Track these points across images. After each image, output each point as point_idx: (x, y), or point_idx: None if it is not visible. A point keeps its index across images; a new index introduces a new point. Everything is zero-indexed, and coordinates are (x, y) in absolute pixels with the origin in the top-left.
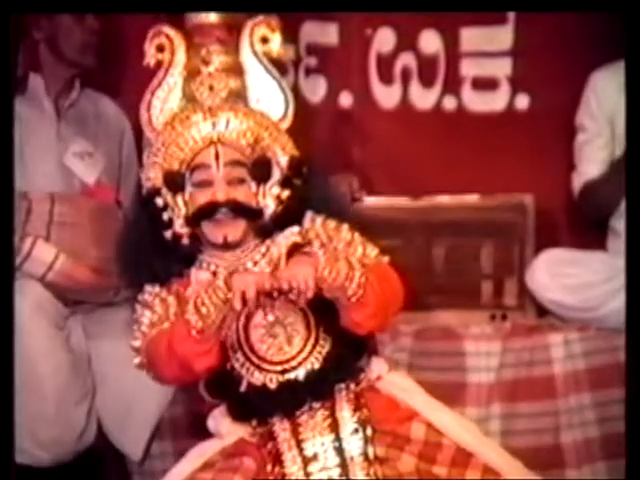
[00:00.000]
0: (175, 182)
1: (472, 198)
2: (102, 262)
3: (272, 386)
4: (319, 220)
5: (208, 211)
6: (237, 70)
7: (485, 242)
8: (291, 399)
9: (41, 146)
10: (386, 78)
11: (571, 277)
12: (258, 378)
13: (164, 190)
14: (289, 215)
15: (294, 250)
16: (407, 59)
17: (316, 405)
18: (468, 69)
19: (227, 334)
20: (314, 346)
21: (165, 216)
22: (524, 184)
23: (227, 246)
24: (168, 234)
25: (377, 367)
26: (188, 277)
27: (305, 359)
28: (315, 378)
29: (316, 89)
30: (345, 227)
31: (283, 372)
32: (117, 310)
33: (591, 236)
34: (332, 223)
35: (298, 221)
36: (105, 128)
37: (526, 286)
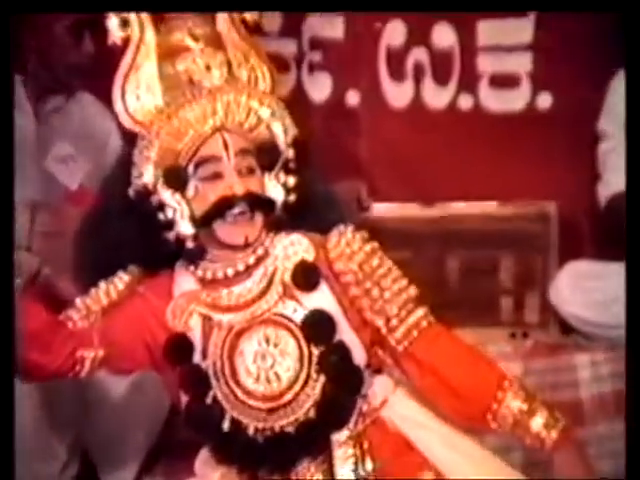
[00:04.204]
0: (178, 179)
1: (490, 206)
2: None
3: (259, 438)
4: (344, 239)
5: (224, 208)
6: (220, 43)
7: (504, 254)
8: (281, 455)
9: (19, 151)
10: (397, 75)
11: (597, 291)
12: (243, 419)
13: (160, 188)
14: (301, 205)
15: (302, 271)
16: (419, 54)
17: (310, 461)
18: (485, 65)
19: (208, 362)
20: (306, 380)
21: (161, 217)
22: (547, 191)
23: (246, 247)
24: (170, 236)
25: (382, 389)
26: (169, 276)
27: (297, 395)
28: (308, 428)
29: (320, 87)
30: (380, 255)
31: (271, 411)
32: None
33: (619, 248)
34: (367, 244)
35: (310, 212)
36: (90, 131)
37: (549, 301)
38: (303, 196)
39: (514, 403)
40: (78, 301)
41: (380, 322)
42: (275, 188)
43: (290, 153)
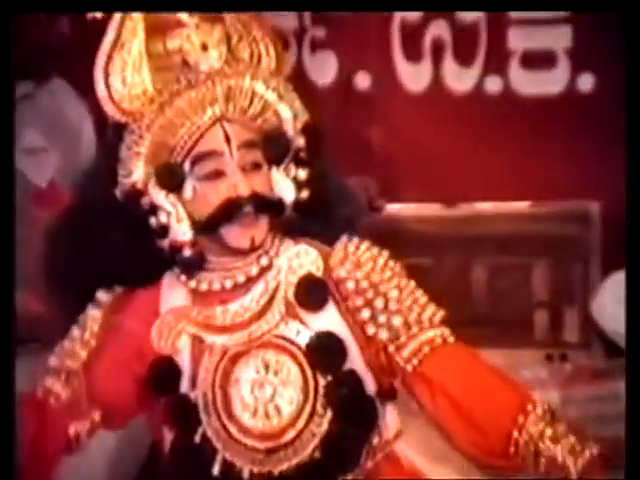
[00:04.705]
0: (172, 178)
1: (521, 206)
2: None
3: None
4: (352, 246)
5: (231, 211)
6: (216, 17)
7: (538, 261)
8: None
9: None
10: (413, 54)
11: None
12: (237, 461)
13: (151, 188)
14: (316, 203)
15: (308, 287)
16: (439, 29)
17: None
18: (516, 41)
19: (197, 392)
20: (311, 415)
21: (154, 221)
22: (588, 188)
23: (252, 250)
24: (164, 244)
25: (395, 418)
26: (156, 290)
27: (300, 433)
28: (313, 472)
29: (325, 68)
30: (391, 265)
31: (270, 452)
32: None
33: None
34: (380, 257)
35: (326, 212)
36: (63, 121)
37: (591, 318)
38: (316, 192)
39: (536, 427)
40: (53, 362)
41: (384, 336)
42: (284, 184)
43: (301, 141)
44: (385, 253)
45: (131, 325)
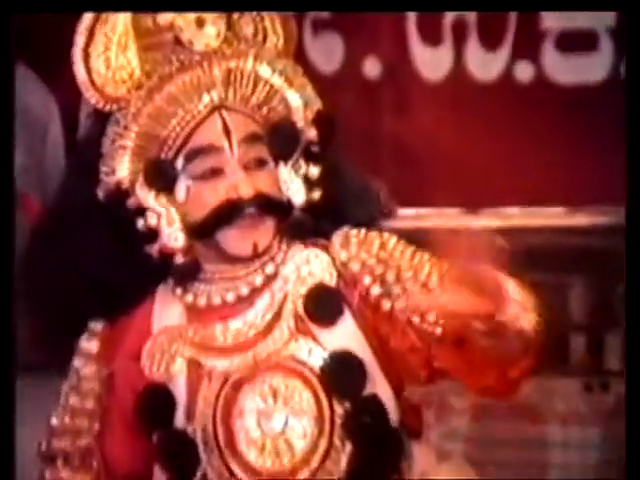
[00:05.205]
0: (163, 176)
1: (555, 212)
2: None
3: None
4: (354, 231)
5: (229, 215)
6: None
7: (575, 278)
8: None
9: None
10: (431, 37)
11: None
12: None
13: (139, 188)
14: (329, 204)
15: (320, 298)
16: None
17: None
18: (550, 21)
19: (195, 426)
20: (328, 451)
21: (141, 225)
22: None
23: (255, 258)
24: (154, 250)
25: (421, 458)
26: (147, 305)
27: (315, 472)
28: None
29: (330, 53)
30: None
31: None
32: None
33: None
34: (390, 238)
35: (340, 214)
36: (26, 115)
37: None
38: (330, 191)
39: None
40: (61, 444)
41: (402, 305)
42: (293, 182)
43: (312, 133)
44: (394, 237)
45: (122, 368)
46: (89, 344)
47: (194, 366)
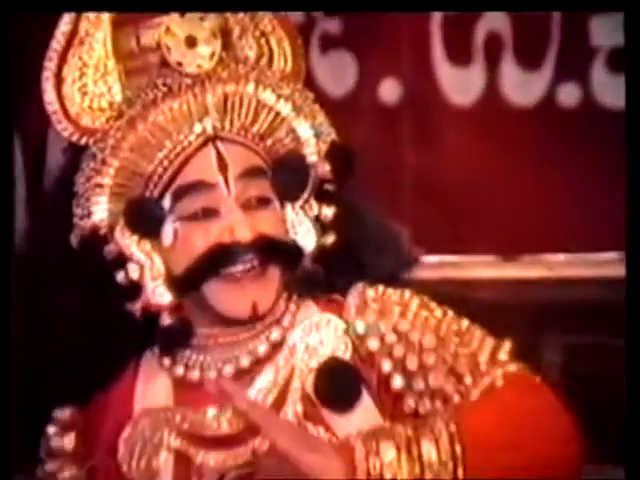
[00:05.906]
0: (147, 218)
1: (610, 259)
2: None
3: None
4: (371, 291)
5: (220, 261)
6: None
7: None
8: None
9: None
10: (459, 54)
11: None
12: None
13: (118, 233)
14: (345, 251)
15: (332, 373)
16: (495, 22)
17: None
18: (601, 37)
19: None
20: None
21: (121, 278)
22: None
23: (254, 321)
24: (136, 309)
25: None
26: (129, 379)
27: None
28: None
29: (340, 74)
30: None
31: None
32: None
33: None
34: (422, 308)
35: (358, 263)
36: None
37: None
38: (346, 236)
39: None
40: None
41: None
42: (302, 225)
43: (326, 168)
44: (416, 300)
45: (105, 463)
46: (61, 440)
47: (182, 461)
